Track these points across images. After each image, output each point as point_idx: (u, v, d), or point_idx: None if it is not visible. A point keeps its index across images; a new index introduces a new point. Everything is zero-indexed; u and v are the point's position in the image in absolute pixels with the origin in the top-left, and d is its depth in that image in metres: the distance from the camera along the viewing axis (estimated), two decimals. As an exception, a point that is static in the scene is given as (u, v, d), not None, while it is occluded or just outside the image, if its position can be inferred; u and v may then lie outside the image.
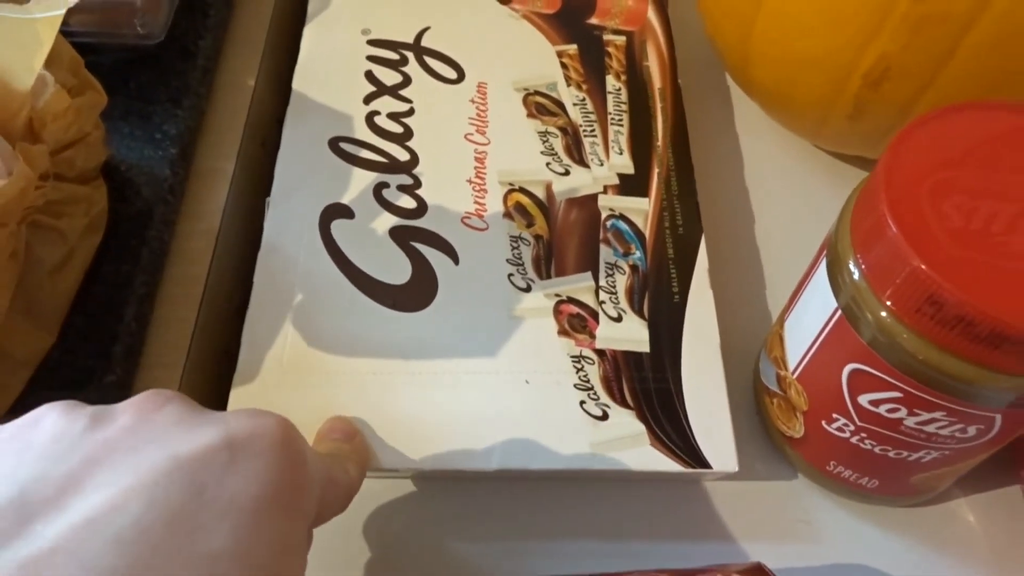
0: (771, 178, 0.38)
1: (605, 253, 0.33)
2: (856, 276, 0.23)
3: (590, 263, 0.32)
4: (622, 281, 0.32)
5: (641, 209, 0.34)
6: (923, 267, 0.20)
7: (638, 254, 0.33)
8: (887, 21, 0.27)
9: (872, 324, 0.23)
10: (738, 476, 0.29)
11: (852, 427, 0.26)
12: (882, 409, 0.24)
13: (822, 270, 0.25)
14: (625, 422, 0.29)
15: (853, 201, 0.24)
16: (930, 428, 0.24)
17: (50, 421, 0.19)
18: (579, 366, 0.30)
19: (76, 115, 0.28)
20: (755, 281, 0.35)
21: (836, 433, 0.27)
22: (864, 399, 0.24)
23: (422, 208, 0.33)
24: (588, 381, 0.30)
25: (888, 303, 0.22)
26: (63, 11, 0.24)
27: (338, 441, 0.27)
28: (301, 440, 0.21)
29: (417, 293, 0.31)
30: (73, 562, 0.16)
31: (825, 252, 0.25)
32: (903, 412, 0.24)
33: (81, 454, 0.18)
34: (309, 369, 0.29)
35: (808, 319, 0.26)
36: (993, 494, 0.30)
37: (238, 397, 0.29)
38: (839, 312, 0.24)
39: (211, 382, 0.32)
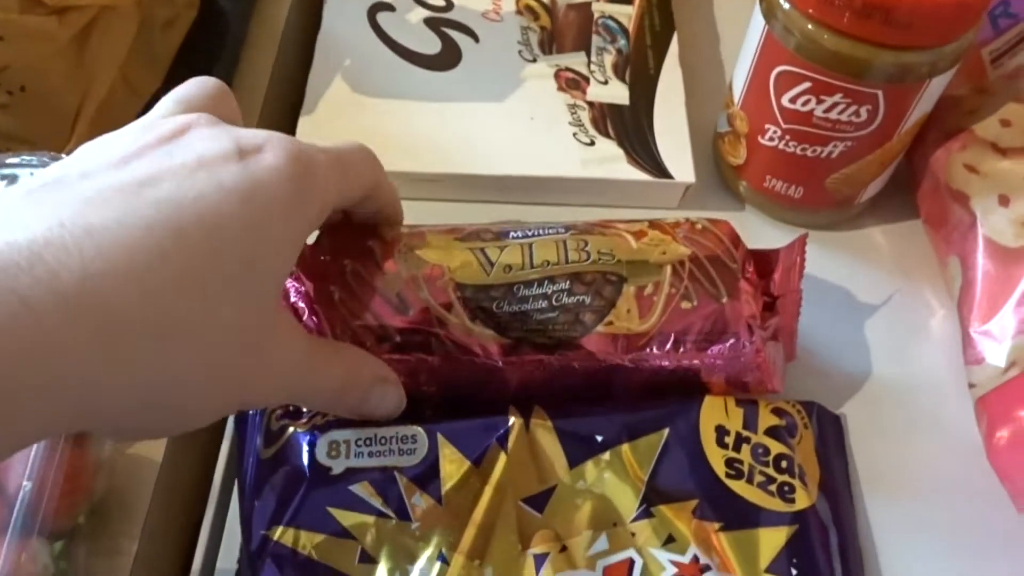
0: None
1: (596, 40, 0.41)
2: (778, -4, 0.31)
3: (584, 45, 0.40)
4: (609, 59, 0.40)
5: (627, 13, 0.42)
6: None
7: (622, 42, 0.41)
8: None
9: (785, 24, 0.30)
10: (697, 209, 0.37)
11: (779, 132, 0.34)
12: (798, 104, 0.32)
13: (755, 8, 0.33)
14: (608, 147, 0.37)
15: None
16: (833, 115, 0.32)
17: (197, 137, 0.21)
18: (573, 112, 0.38)
19: None
20: (721, 71, 0.43)
21: (768, 144, 0.34)
22: (786, 98, 0.32)
23: (449, 5, 0.42)
24: (580, 121, 0.37)
25: None
26: None
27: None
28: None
29: (445, 59, 0.39)
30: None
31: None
32: (813, 102, 0.32)
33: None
34: (356, 107, 0.38)
35: (745, 54, 0.34)
36: (900, 225, 0.38)
37: (303, 124, 0.37)
38: (766, 28, 0.32)
39: (284, 116, 0.40)
